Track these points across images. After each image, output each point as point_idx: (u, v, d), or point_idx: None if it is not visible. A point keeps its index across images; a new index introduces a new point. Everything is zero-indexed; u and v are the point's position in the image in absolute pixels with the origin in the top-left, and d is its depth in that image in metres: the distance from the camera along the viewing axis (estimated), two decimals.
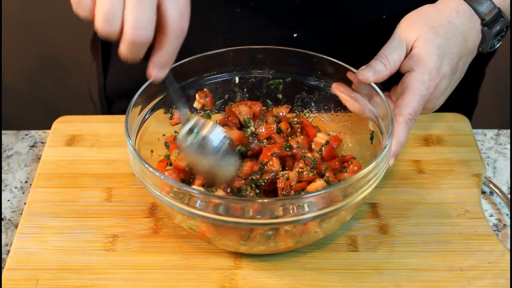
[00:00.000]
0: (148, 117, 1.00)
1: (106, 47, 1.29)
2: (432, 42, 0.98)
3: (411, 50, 0.98)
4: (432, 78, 0.97)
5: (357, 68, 0.99)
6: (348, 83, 1.02)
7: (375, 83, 0.98)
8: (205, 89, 1.06)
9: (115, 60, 1.28)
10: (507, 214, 1.03)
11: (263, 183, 0.95)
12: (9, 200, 1.05)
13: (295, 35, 1.13)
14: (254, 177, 0.97)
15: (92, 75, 1.34)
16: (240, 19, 1.13)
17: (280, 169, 0.98)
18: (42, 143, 1.15)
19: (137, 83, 0.96)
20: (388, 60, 0.98)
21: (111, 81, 1.31)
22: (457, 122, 1.15)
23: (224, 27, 1.15)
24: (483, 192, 1.06)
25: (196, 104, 1.06)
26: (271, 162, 0.98)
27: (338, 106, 1.05)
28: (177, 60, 1.01)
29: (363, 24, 1.14)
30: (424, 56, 0.97)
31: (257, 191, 0.93)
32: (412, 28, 0.99)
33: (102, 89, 1.33)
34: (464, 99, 1.25)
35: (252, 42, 1.05)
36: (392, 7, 1.12)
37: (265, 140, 1.02)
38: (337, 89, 1.03)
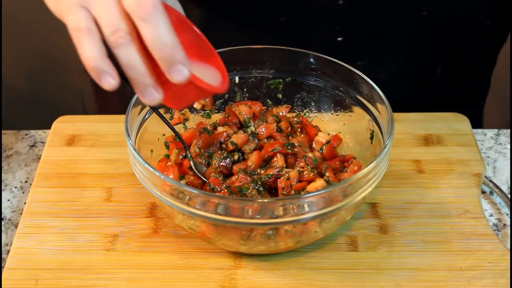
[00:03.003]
0: (148, 117, 1.00)
1: None
2: None
3: None
4: None
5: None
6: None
7: (374, 83, 0.98)
8: None
9: None
10: (507, 214, 1.03)
11: (267, 178, 0.95)
12: (9, 200, 1.05)
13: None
14: (258, 171, 0.97)
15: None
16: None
17: (285, 165, 0.98)
18: (42, 143, 1.15)
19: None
20: None
21: None
22: (457, 122, 1.15)
23: None
24: (483, 192, 1.06)
25: (196, 105, 1.06)
26: (275, 158, 0.98)
27: (338, 106, 1.05)
28: None
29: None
30: None
31: (261, 189, 0.93)
32: None
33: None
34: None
35: None
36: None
37: (265, 140, 1.02)
38: None
